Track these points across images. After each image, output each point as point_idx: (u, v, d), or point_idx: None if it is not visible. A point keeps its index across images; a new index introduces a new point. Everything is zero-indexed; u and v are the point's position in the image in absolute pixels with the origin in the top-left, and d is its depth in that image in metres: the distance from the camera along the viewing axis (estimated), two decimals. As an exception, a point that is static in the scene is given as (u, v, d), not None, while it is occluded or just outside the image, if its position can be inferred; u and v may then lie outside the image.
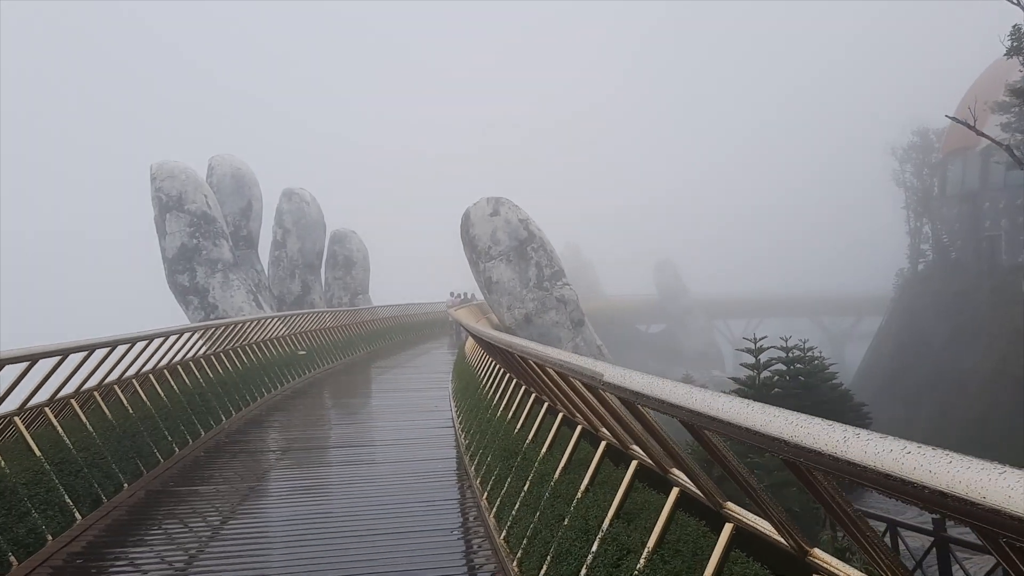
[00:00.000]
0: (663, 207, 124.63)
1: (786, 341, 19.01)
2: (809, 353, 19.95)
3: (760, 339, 17.54)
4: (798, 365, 19.30)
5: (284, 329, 21.17)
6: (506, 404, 8.67)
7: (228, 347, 15.69)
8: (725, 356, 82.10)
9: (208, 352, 13.78)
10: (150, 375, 10.81)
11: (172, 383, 11.37)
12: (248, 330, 17.15)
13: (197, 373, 12.63)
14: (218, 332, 15.25)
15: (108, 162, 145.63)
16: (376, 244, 43.06)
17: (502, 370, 10.40)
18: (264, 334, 18.68)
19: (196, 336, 12.50)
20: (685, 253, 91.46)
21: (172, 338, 11.26)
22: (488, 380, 11.29)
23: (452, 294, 41.53)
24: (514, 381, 8.84)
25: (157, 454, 9.46)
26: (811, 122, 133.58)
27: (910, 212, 58.94)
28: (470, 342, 20.02)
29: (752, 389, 17.05)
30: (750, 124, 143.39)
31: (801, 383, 18.23)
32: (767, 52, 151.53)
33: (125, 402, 9.50)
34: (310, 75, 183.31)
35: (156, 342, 10.22)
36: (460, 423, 11.11)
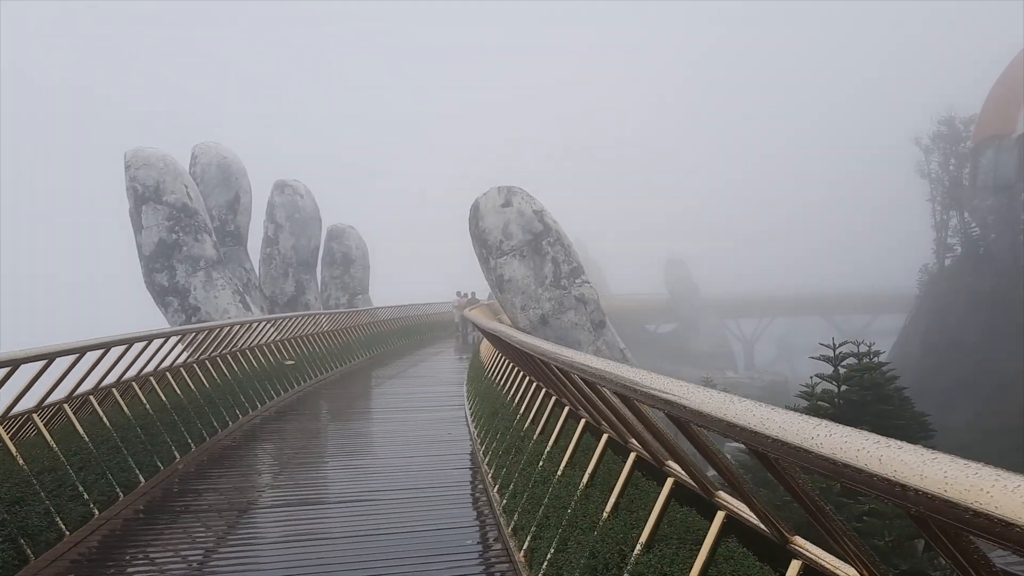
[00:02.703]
0: (672, 202, 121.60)
1: (858, 346, 16.09)
2: (876, 358, 17.10)
3: (840, 345, 14.64)
4: (866, 374, 16.43)
5: (275, 334, 18.29)
6: (572, 454, 5.76)
7: (202, 357, 12.80)
8: (737, 356, 79.55)
9: (163, 367, 10.85)
10: (65, 405, 7.90)
11: (101, 413, 8.46)
12: (231, 335, 14.28)
13: (142, 396, 9.72)
14: (192, 338, 12.37)
15: (81, 150, 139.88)
16: (376, 240, 40.21)
17: (539, 388, 7.53)
18: (250, 340, 15.81)
19: (144, 347, 9.57)
20: (695, 251, 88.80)
21: (114, 351, 8.34)
22: (522, 401, 8.42)
23: (459, 293, 38.78)
24: (583, 422, 5.93)
25: (61, 524, 6.55)
26: (827, 114, 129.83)
27: (936, 205, 56.50)
28: (487, 349, 17.11)
29: (833, 407, 14.15)
30: (764, 117, 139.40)
31: (880, 395, 15.32)
32: (786, 45, 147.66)
33: (13, 450, 6.59)
34: (307, 59, 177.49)
35: (58, 363, 7.28)
36: (489, 467, 8.21)
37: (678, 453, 3.65)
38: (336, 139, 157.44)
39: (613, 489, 4.58)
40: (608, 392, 4.17)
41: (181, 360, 11.50)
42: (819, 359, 15.09)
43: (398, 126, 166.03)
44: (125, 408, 9.06)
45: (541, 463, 6.25)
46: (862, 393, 14.49)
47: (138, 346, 9.12)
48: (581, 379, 4.34)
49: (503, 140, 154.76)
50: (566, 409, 6.45)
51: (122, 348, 8.53)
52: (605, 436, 5.19)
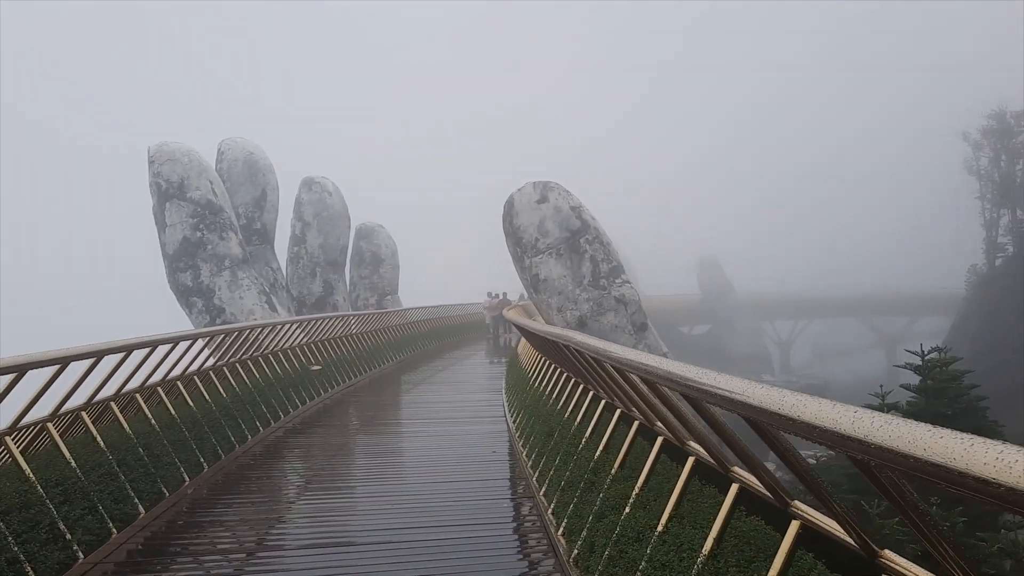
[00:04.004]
0: (708, 200, 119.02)
1: (942, 353, 14.47)
2: (954, 365, 15.49)
3: (929, 353, 13.05)
4: (951, 385, 14.81)
5: (302, 336, 17.16)
6: (677, 502, 4.39)
7: (219, 363, 11.66)
8: (774, 358, 77.56)
9: (172, 376, 9.65)
10: (49, 425, 6.69)
11: (94, 432, 7.24)
12: (253, 338, 13.13)
13: (147, 410, 8.50)
14: (209, 342, 11.21)
15: (105, 148, 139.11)
16: (406, 239, 39.11)
17: (611, 407, 6.18)
18: (275, 343, 14.68)
19: (148, 355, 8.36)
20: (730, 249, 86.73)
21: (108, 360, 7.13)
22: (586, 420, 7.09)
23: (490, 294, 37.58)
24: (692, 461, 4.55)
25: (32, 575, 5.32)
26: (869, 108, 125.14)
27: (985, 202, 54.58)
28: (527, 353, 15.80)
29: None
30: (802, 110, 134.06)
31: (967, 409, 13.71)
32: (820, 35, 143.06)
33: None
34: (332, 51, 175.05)
35: (33, 376, 6.05)
36: (547, 500, 6.86)
37: (925, 528, 2.29)
38: (365, 135, 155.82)
39: (769, 568, 3.21)
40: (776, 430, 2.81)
41: (195, 367, 10.30)
42: (905, 367, 13.51)
43: (428, 120, 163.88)
44: (125, 424, 7.85)
45: (628, 508, 4.89)
46: (953, 406, 12.88)
47: (139, 354, 7.91)
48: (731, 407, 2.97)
49: (536, 135, 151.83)
50: (659, 440, 5.07)
51: (119, 356, 7.31)
52: (735, 487, 3.81)
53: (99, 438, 7.22)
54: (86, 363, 6.71)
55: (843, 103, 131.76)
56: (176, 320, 25.52)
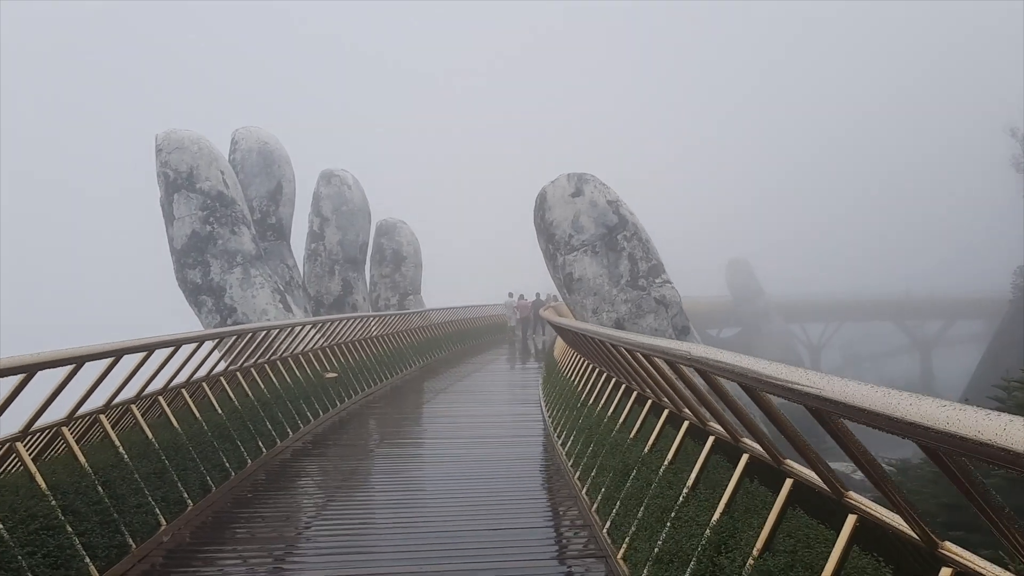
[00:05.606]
0: (738, 197, 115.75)
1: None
2: None
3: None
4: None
5: (319, 339, 15.49)
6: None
7: (215, 372, 9.98)
8: (804, 362, 75.21)
9: (152, 390, 7.92)
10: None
11: (33, 470, 5.50)
12: (264, 340, 11.46)
13: (114, 437, 6.76)
14: (216, 344, 9.52)
15: (113, 138, 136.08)
16: (430, 236, 37.38)
17: (725, 451, 4.34)
18: (288, 347, 13.02)
19: (111, 365, 6.62)
20: (761, 250, 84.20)
21: (45, 376, 5.40)
22: (681, 456, 5.26)
23: (511, 295, 35.86)
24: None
25: None
26: (908, 102, 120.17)
27: (1034, 201, 52.06)
28: (569, 361, 13.97)
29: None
30: (842, 106, 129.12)
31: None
32: (865, 25, 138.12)
33: None
34: (350, 41, 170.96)
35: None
36: (627, 563, 5.04)
37: None
38: (385, 127, 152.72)
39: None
40: None
41: (182, 379, 8.56)
42: (1001, 386, 11.44)
43: (455, 111, 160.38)
44: (80, 456, 6.11)
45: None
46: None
47: (98, 365, 6.16)
48: None
49: (568, 133, 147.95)
50: (851, 521, 3.22)
51: (66, 370, 5.57)
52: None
53: (39, 477, 5.49)
54: (14, 380, 4.98)
55: (883, 95, 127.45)
56: (186, 320, 24.00)
